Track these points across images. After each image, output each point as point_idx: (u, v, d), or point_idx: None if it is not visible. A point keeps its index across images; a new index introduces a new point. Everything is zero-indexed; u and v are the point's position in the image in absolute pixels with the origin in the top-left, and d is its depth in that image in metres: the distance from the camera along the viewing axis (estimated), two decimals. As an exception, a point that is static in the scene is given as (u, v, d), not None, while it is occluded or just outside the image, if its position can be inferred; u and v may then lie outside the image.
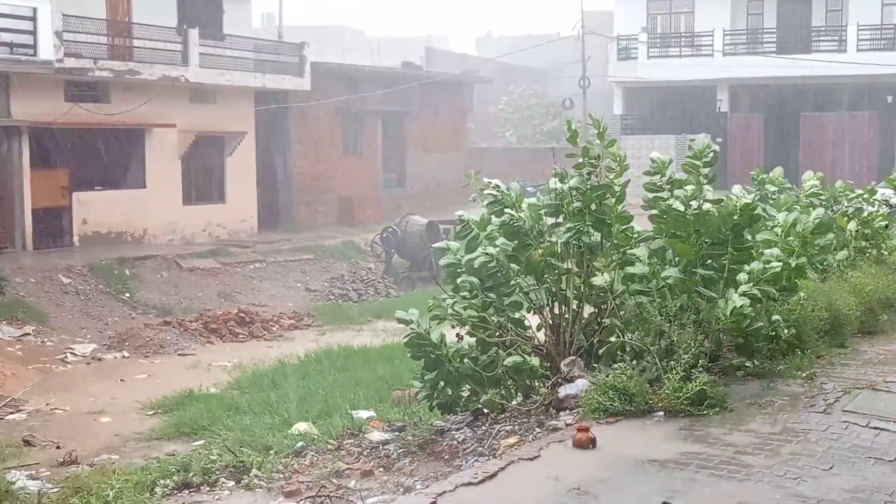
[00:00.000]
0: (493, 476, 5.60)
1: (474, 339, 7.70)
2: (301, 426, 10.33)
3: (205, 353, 18.37)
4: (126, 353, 18.06)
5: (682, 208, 7.39)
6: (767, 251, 7.71)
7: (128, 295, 21.60)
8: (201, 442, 10.93)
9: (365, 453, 7.82)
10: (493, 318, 7.55)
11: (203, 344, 19.17)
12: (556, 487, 5.37)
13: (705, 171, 7.94)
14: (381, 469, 7.17)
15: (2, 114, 22.78)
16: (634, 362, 7.05)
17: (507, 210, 7.61)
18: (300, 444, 8.84)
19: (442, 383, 7.72)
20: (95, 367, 17.14)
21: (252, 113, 29.12)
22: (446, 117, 37.76)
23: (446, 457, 7.03)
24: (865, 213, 11.61)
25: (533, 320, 7.95)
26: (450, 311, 7.58)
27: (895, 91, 35.96)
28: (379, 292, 25.37)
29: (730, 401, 6.75)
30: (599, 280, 7.47)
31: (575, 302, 7.70)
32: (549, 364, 7.64)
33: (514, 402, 7.59)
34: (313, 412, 11.71)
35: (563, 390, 7.12)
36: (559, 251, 7.65)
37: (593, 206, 7.53)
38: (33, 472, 10.18)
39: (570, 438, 6.08)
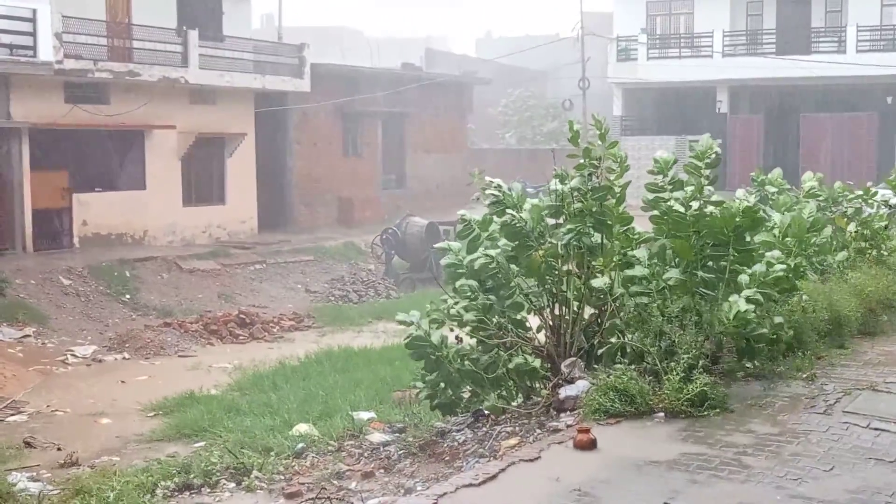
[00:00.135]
0: (493, 477, 5.60)
1: (475, 339, 7.71)
2: (302, 427, 10.33)
3: (205, 354, 18.37)
4: (126, 355, 18.06)
5: (681, 209, 7.39)
6: (769, 253, 7.72)
7: (128, 296, 21.60)
8: (202, 443, 10.94)
9: (366, 455, 7.83)
10: (493, 319, 7.55)
11: (203, 345, 19.17)
12: (556, 488, 5.37)
13: (707, 172, 7.95)
14: (382, 470, 7.18)
15: (2, 115, 22.78)
16: (633, 365, 7.05)
17: (508, 211, 7.61)
18: (301, 445, 8.85)
19: (443, 384, 7.73)
20: (96, 369, 17.14)
21: (252, 114, 29.13)
22: (446, 118, 37.77)
23: (447, 458, 7.03)
24: (865, 214, 11.62)
25: (533, 322, 7.95)
26: (450, 311, 7.58)
27: (894, 92, 35.97)
28: (379, 293, 25.37)
29: (730, 402, 6.75)
30: (598, 282, 7.48)
31: (575, 303, 7.70)
32: (549, 365, 7.64)
33: (514, 404, 7.59)
34: (314, 413, 11.72)
35: (564, 391, 7.12)
36: (560, 252, 7.65)
37: (594, 208, 7.53)
38: (34, 473, 10.18)
39: (571, 439, 6.08)
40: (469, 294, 7.60)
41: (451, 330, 7.70)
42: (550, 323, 7.83)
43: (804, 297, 8.16)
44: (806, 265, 9.22)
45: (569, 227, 7.51)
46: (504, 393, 7.63)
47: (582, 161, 7.63)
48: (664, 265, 7.45)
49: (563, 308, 7.76)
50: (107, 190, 25.37)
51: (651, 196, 7.73)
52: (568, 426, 6.58)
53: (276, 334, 20.37)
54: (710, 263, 7.35)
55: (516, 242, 7.60)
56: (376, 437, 8.30)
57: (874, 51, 35.04)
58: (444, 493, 5.36)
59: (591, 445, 5.95)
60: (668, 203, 7.51)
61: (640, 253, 7.49)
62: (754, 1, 38.12)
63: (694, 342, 6.88)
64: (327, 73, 31.72)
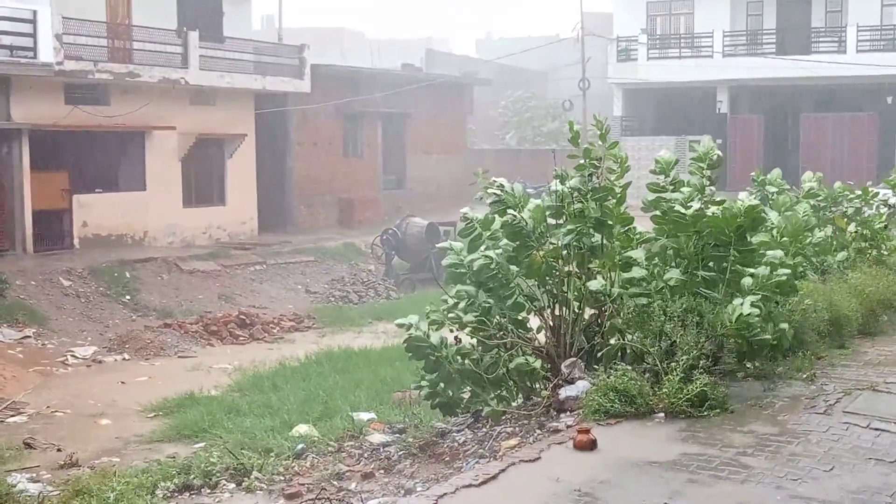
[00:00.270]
0: (493, 478, 5.60)
1: (475, 339, 7.70)
2: (302, 428, 10.34)
3: (205, 355, 18.37)
4: (126, 356, 18.06)
5: (682, 209, 7.39)
6: (770, 252, 7.72)
7: (128, 297, 21.60)
8: (202, 444, 10.94)
9: (366, 455, 7.83)
10: (494, 318, 7.54)
11: (203, 346, 19.17)
12: (556, 489, 5.37)
13: (709, 172, 7.96)
14: (382, 471, 7.17)
15: (2, 116, 22.79)
16: (634, 364, 7.05)
17: (509, 211, 7.61)
18: (301, 446, 8.85)
19: (442, 385, 7.73)
20: (96, 370, 17.14)
21: (252, 115, 29.13)
22: (446, 119, 37.77)
23: (447, 458, 7.03)
24: (865, 215, 11.63)
25: (533, 322, 7.95)
26: (449, 315, 7.57)
27: (894, 92, 35.97)
28: (379, 294, 25.37)
29: (730, 402, 6.75)
30: (595, 284, 7.48)
31: (576, 304, 7.70)
32: (549, 366, 7.64)
33: (514, 404, 7.59)
34: (314, 414, 11.72)
35: (564, 392, 7.12)
36: (561, 253, 7.65)
37: (594, 208, 7.52)
38: (34, 474, 10.18)
39: (571, 440, 6.08)
40: (467, 298, 7.59)
41: (451, 331, 7.70)
42: (551, 323, 7.83)
43: (807, 301, 8.15)
44: (806, 265, 9.23)
45: (569, 227, 7.50)
46: (504, 393, 7.62)
47: (582, 161, 7.63)
48: (665, 265, 7.45)
49: (564, 308, 7.76)
50: (107, 191, 25.37)
51: (652, 196, 7.73)
52: (568, 426, 6.58)
53: (276, 335, 20.37)
54: (711, 264, 7.34)
55: (517, 242, 7.60)
56: (376, 437, 8.30)
57: (874, 51, 35.04)
58: (444, 494, 5.36)
59: (591, 446, 5.95)
60: (669, 203, 7.51)
61: (637, 254, 7.48)
62: (754, 1, 38.12)
63: (695, 343, 6.88)
64: (328, 74, 31.73)
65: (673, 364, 6.78)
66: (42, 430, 12.84)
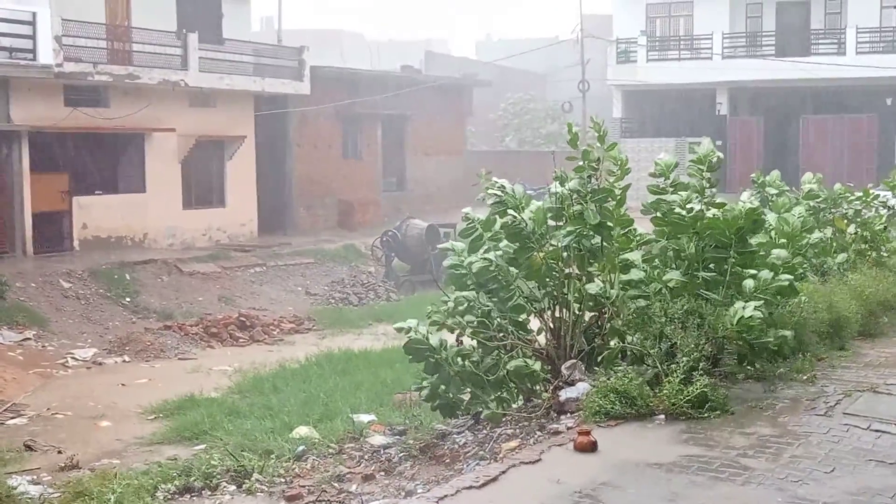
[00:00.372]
0: (494, 480, 5.60)
1: (475, 341, 7.70)
2: (302, 430, 10.34)
3: (205, 357, 18.38)
4: (127, 358, 18.06)
5: (682, 211, 7.39)
6: (775, 251, 7.72)
7: (128, 299, 21.60)
8: (202, 446, 10.94)
9: (366, 457, 7.83)
10: (495, 320, 7.54)
11: (204, 348, 19.17)
12: (557, 491, 5.37)
13: (708, 174, 7.96)
14: (383, 473, 7.18)
15: (2, 118, 22.80)
16: (634, 365, 7.05)
17: (509, 212, 7.61)
18: (301, 448, 8.85)
19: (443, 387, 7.73)
20: (96, 372, 17.14)
21: (252, 117, 29.14)
22: (446, 121, 37.78)
23: (447, 460, 7.03)
24: (865, 216, 11.63)
25: (533, 324, 7.95)
26: (449, 321, 7.57)
27: (894, 93, 36.00)
28: (379, 296, 25.38)
29: (731, 404, 6.75)
30: (594, 287, 7.49)
31: (576, 306, 7.70)
32: (549, 367, 7.64)
33: (515, 406, 7.59)
34: (314, 416, 11.72)
35: (564, 394, 7.12)
36: (560, 254, 7.65)
37: (593, 210, 7.52)
38: (34, 476, 10.17)
39: (572, 442, 6.08)
40: (467, 303, 7.59)
41: (452, 332, 7.70)
42: (551, 325, 7.83)
43: (804, 298, 8.16)
44: (806, 266, 9.23)
45: (568, 229, 7.50)
46: (505, 395, 7.63)
47: (581, 163, 7.64)
48: (664, 267, 7.45)
49: (564, 310, 7.76)
50: (107, 193, 25.38)
51: (652, 198, 7.74)
52: (568, 428, 6.58)
53: (277, 337, 20.37)
54: (712, 266, 7.34)
55: (517, 244, 7.60)
56: (377, 439, 8.30)
57: (874, 52, 35.08)
58: (445, 496, 5.36)
59: (591, 447, 5.95)
60: (669, 205, 7.52)
61: (634, 256, 7.48)
62: (754, 3, 38.15)
63: (695, 344, 6.88)
64: (327, 76, 31.74)
65: (673, 366, 6.78)
66: (42, 433, 12.84)
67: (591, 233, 7.50)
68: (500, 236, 7.73)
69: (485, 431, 7.38)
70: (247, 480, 7.66)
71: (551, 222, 7.72)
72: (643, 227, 8.05)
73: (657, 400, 6.61)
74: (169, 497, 7.57)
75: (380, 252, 27.59)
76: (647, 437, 6.25)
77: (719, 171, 8.00)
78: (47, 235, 23.89)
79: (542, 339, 7.89)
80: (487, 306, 7.58)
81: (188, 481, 7.83)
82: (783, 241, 8.28)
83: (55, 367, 17.14)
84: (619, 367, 6.98)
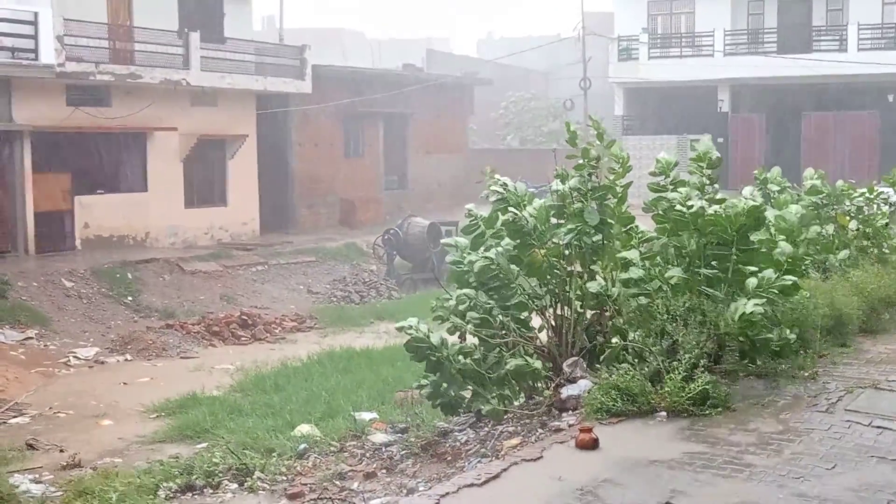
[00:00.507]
0: (496, 477, 5.60)
1: (477, 338, 7.71)
2: (304, 428, 10.34)
3: (207, 355, 18.37)
4: (129, 357, 18.06)
5: (682, 208, 7.39)
6: (782, 244, 7.70)
7: (130, 298, 21.61)
8: (204, 445, 10.94)
9: (368, 455, 7.83)
10: (497, 317, 7.54)
11: (205, 347, 19.17)
12: (559, 488, 5.37)
13: (709, 172, 7.96)
14: (384, 471, 7.18)
15: (4, 118, 22.81)
16: (637, 360, 7.04)
17: (510, 209, 7.61)
18: (303, 446, 8.86)
19: (444, 385, 7.73)
20: (98, 371, 17.14)
21: (253, 116, 29.14)
22: (447, 119, 37.78)
23: (449, 458, 7.04)
24: (867, 213, 11.61)
25: (535, 322, 7.95)
26: (452, 317, 7.58)
27: (896, 90, 35.98)
28: (381, 294, 25.37)
29: (732, 400, 6.75)
30: (594, 286, 7.48)
31: (577, 303, 7.70)
32: (551, 365, 7.64)
33: (516, 404, 7.59)
34: (316, 414, 11.72)
35: (566, 391, 7.12)
36: (562, 252, 7.65)
37: (594, 207, 7.52)
38: (37, 475, 10.18)
39: (573, 439, 6.08)
40: (468, 302, 7.59)
41: (456, 330, 7.70)
42: (552, 323, 7.83)
43: (806, 295, 8.15)
44: (808, 262, 9.22)
45: (569, 227, 7.50)
46: (507, 392, 7.63)
47: (581, 161, 7.64)
48: (666, 264, 7.45)
49: (566, 308, 7.76)
50: (109, 192, 25.38)
51: (653, 196, 7.74)
52: (570, 426, 6.58)
53: (278, 335, 20.36)
54: (714, 263, 7.33)
55: (519, 241, 7.60)
56: (378, 437, 8.31)
57: (875, 49, 35.01)
58: (447, 493, 5.36)
59: (593, 445, 5.95)
60: (670, 202, 7.51)
61: (633, 254, 7.47)
62: (755, 0, 38.11)
63: (697, 342, 6.88)
64: (329, 75, 31.74)
65: (675, 363, 6.77)
66: (44, 432, 12.85)
67: (593, 230, 7.49)
68: (503, 233, 7.73)
69: (486, 429, 7.38)
70: (249, 478, 7.68)
71: (553, 220, 7.72)
72: (645, 224, 8.04)
73: (659, 397, 6.61)
74: (171, 495, 7.59)
75: (381, 250, 27.60)
76: (648, 435, 6.25)
77: (721, 168, 7.99)
78: (49, 235, 23.90)
79: (543, 336, 7.89)
80: (489, 304, 7.58)
81: (190, 480, 7.84)
82: (782, 237, 8.26)
83: (57, 366, 17.14)
84: (621, 365, 6.97)
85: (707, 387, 6.58)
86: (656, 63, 38.17)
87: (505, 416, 7.39)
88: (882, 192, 12.61)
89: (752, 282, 7.12)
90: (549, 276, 7.70)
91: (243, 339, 19.91)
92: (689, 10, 38.83)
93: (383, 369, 14.58)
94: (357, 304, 24.23)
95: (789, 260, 7.58)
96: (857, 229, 11.20)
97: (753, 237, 7.33)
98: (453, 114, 38.34)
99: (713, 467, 5.60)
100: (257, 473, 7.77)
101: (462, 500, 5.30)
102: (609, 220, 7.59)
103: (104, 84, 24.50)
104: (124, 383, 15.96)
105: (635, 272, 7.33)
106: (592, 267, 7.67)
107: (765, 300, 7.00)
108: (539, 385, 7.60)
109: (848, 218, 11.29)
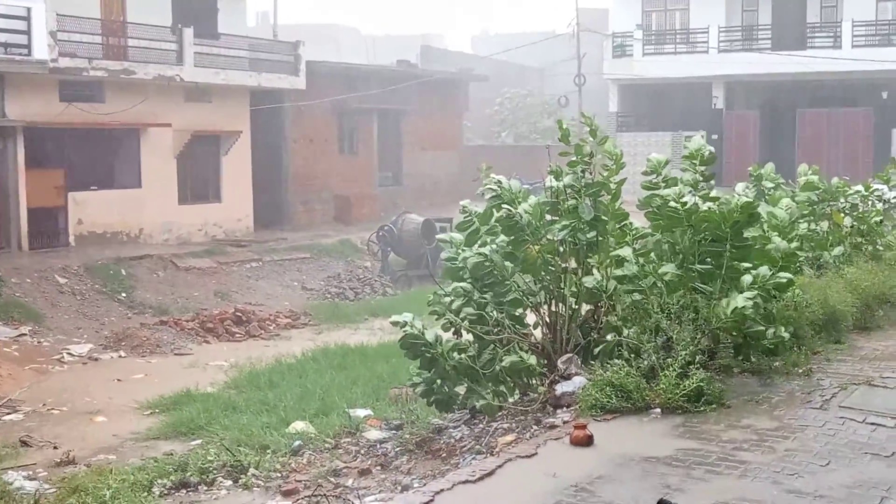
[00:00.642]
0: (490, 474, 5.60)
1: (471, 335, 7.71)
2: (298, 425, 10.34)
3: (201, 352, 18.36)
4: (123, 353, 18.04)
5: (676, 205, 7.39)
6: (776, 239, 7.71)
7: (124, 295, 21.58)
8: (198, 441, 10.94)
9: (362, 452, 7.84)
10: (491, 314, 7.55)
11: (200, 343, 19.15)
12: (553, 485, 5.37)
13: (702, 168, 7.97)
14: (379, 467, 7.19)
15: (-3, 114, 22.77)
16: (631, 356, 7.04)
17: (504, 205, 7.62)
18: (297, 442, 8.86)
19: (438, 381, 7.73)
20: (92, 367, 17.11)
21: (247, 112, 29.10)
22: (442, 115, 37.75)
23: (444, 455, 7.04)
24: (861, 210, 11.63)
25: (529, 318, 7.95)
26: (448, 313, 7.58)
27: (890, 87, 36.00)
28: (376, 291, 25.37)
29: (726, 397, 6.75)
30: (590, 281, 7.49)
31: (572, 300, 7.70)
32: (546, 362, 7.64)
33: (511, 400, 7.59)
34: (310, 411, 11.72)
35: (561, 388, 7.12)
36: (557, 248, 7.66)
37: (588, 204, 7.52)
38: (30, 472, 10.16)
39: (568, 436, 6.08)
40: (463, 296, 7.60)
41: (451, 325, 7.70)
42: (547, 319, 7.84)
43: (799, 293, 8.16)
44: (802, 259, 9.23)
45: (563, 223, 7.51)
46: (502, 389, 7.63)
47: (575, 158, 7.64)
48: (660, 261, 7.45)
49: (560, 305, 7.77)
50: (102, 188, 25.33)
51: (646, 193, 7.75)
52: (564, 422, 6.58)
53: (273, 332, 20.35)
54: (708, 259, 7.34)
55: (513, 237, 7.61)
56: (373, 434, 8.32)
57: (869, 46, 35.08)
58: (441, 490, 5.36)
59: (587, 441, 5.96)
60: (664, 199, 7.51)
61: (626, 251, 7.48)
62: (749, -3, 38.18)
63: (691, 338, 6.89)
64: (323, 71, 31.70)
65: (669, 360, 6.78)
66: (38, 428, 12.83)
67: (587, 227, 7.50)
68: (497, 230, 7.73)
69: (481, 426, 7.39)
70: (243, 475, 7.67)
71: (548, 217, 7.73)
72: (640, 221, 8.05)
73: (653, 394, 6.61)
74: (165, 492, 7.58)
75: (376, 247, 27.59)
76: (643, 431, 6.25)
77: (715, 164, 8.00)
78: (43, 231, 23.85)
79: (538, 333, 7.90)
80: (484, 299, 7.58)
81: (184, 476, 7.84)
82: (774, 234, 8.28)
83: (51, 362, 17.12)
84: (616, 361, 6.98)
85: (701, 383, 6.59)
86: (651, 59, 38.19)
87: (499, 413, 7.40)
88: (876, 189, 12.64)
89: (747, 279, 7.12)
90: (543, 273, 7.71)
91: (237, 335, 19.90)
92: (683, 7, 38.85)
93: (378, 366, 14.58)
94: (351, 300, 24.23)
95: (783, 256, 7.59)
96: (852, 226, 11.21)
97: (747, 233, 7.33)
98: (448, 110, 38.32)
99: (707, 464, 5.61)
100: (252, 470, 7.77)
101: (457, 497, 5.30)
102: (603, 217, 7.59)
103: (97, 80, 24.44)
104: (118, 380, 15.94)
105: (629, 269, 7.34)
106: (588, 261, 7.67)
107: (756, 293, 7.01)
108: (533, 382, 7.61)
109: (842, 215, 11.30)
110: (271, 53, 29.82)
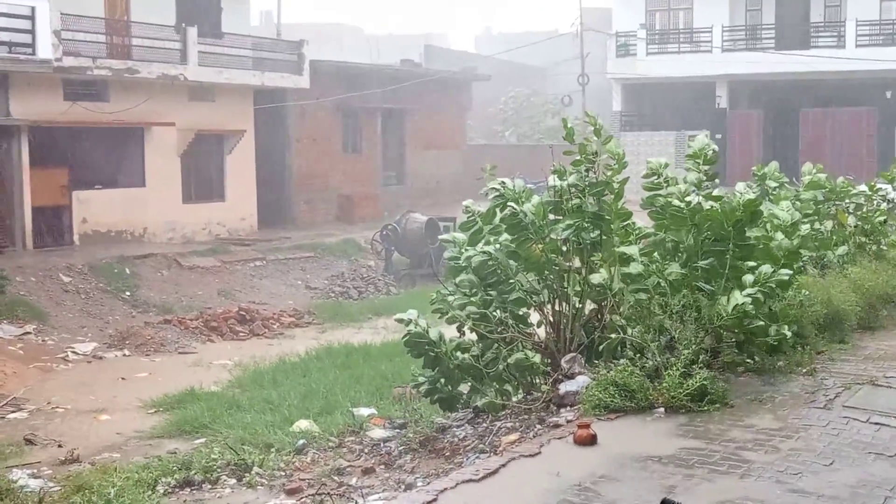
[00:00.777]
0: (494, 473, 5.61)
1: (475, 334, 7.71)
2: (302, 424, 10.35)
3: (205, 351, 18.38)
4: (127, 352, 18.06)
5: (679, 204, 7.40)
6: (778, 236, 7.71)
7: (128, 293, 21.61)
8: (202, 440, 10.96)
9: (366, 451, 7.85)
10: (494, 313, 7.56)
11: (204, 342, 19.17)
12: (557, 484, 5.37)
13: (705, 168, 7.97)
14: (383, 466, 7.19)
15: (1, 113, 22.78)
16: (635, 355, 7.05)
17: (509, 203, 7.62)
18: (301, 441, 8.87)
19: (442, 380, 7.74)
20: (96, 366, 17.14)
21: (251, 111, 29.12)
22: (445, 115, 37.75)
23: (447, 454, 7.05)
24: (865, 209, 11.62)
25: (533, 317, 7.96)
26: (452, 311, 7.58)
27: (893, 87, 35.96)
28: (379, 290, 25.37)
29: (730, 397, 6.76)
30: (597, 278, 7.49)
31: (575, 299, 7.71)
32: (549, 361, 7.65)
33: (514, 399, 7.60)
34: (314, 410, 11.73)
35: (564, 387, 7.13)
36: (560, 247, 7.66)
37: (591, 203, 7.53)
38: (35, 470, 10.18)
39: (571, 435, 6.08)
40: (468, 290, 7.61)
41: (451, 324, 7.71)
42: (551, 318, 7.84)
43: (804, 293, 8.16)
44: (806, 258, 9.23)
45: (567, 222, 7.51)
46: (506, 388, 7.64)
47: (579, 157, 7.65)
48: (663, 261, 7.46)
49: (564, 304, 7.77)
50: (106, 187, 25.35)
51: (648, 193, 7.76)
52: (568, 421, 6.59)
53: (277, 331, 20.37)
54: (711, 259, 7.34)
55: (517, 235, 7.61)
56: (377, 433, 8.32)
57: (873, 45, 35.03)
58: (445, 489, 5.36)
59: (591, 441, 5.96)
60: (667, 198, 7.52)
61: (632, 249, 7.49)
62: (753, -4, 38.14)
63: (694, 337, 6.89)
64: (326, 70, 31.71)
65: (673, 359, 6.78)
66: (43, 427, 12.85)
67: (591, 226, 7.50)
68: (500, 229, 7.74)
69: (484, 425, 7.39)
70: (247, 474, 7.68)
71: (551, 216, 7.73)
72: (643, 221, 8.05)
73: (657, 393, 6.62)
74: (169, 490, 7.59)
75: (379, 246, 27.59)
76: (646, 430, 6.26)
77: (718, 164, 8.01)
78: (47, 230, 23.89)
79: (541, 332, 7.90)
80: (489, 295, 7.59)
81: (188, 475, 7.85)
82: (777, 233, 8.27)
83: (55, 361, 17.14)
84: (619, 361, 6.99)
85: (705, 383, 6.60)
86: (654, 59, 38.15)
87: (503, 412, 7.41)
88: (880, 189, 12.63)
89: (748, 278, 7.14)
90: (546, 272, 7.71)
91: (241, 334, 19.92)
92: (687, 6, 38.82)
93: (381, 365, 14.59)
94: (355, 299, 24.24)
95: (786, 254, 7.59)
96: (856, 226, 11.21)
97: (750, 233, 7.34)
98: (451, 109, 38.32)
99: (711, 463, 5.61)
100: (255, 469, 7.78)
101: (460, 496, 5.30)
102: (606, 216, 7.60)
103: (102, 79, 24.47)
104: (122, 378, 15.96)
105: (635, 267, 7.34)
106: (592, 258, 7.67)
107: (757, 290, 7.01)
108: (537, 381, 7.61)
109: (847, 214, 11.30)
110: (275, 53, 29.83)
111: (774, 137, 37.18)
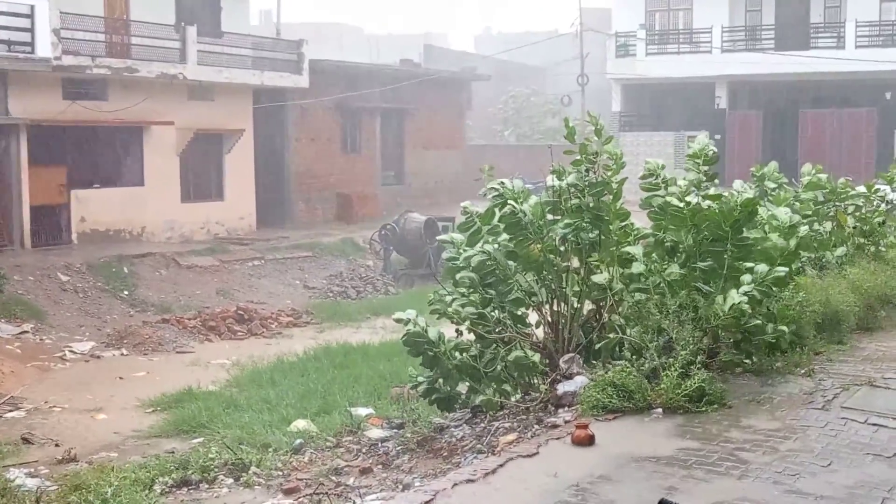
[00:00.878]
0: (491, 473, 5.60)
1: (473, 334, 7.70)
2: (300, 423, 10.34)
3: (203, 350, 18.36)
4: (125, 351, 18.05)
5: (678, 204, 7.39)
6: (773, 237, 7.70)
7: (126, 293, 21.60)
8: (200, 439, 10.94)
9: (364, 451, 7.84)
10: (492, 314, 7.55)
11: (202, 341, 19.15)
12: (554, 484, 5.37)
13: (705, 168, 7.97)
14: (380, 466, 7.19)
15: (0, 111, 22.76)
16: (633, 355, 7.04)
17: (509, 202, 7.62)
18: (299, 441, 8.86)
19: (440, 380, 7.73)
20: (94, 365, 17.12)
21: (250, 110, 29.11)
22: (445, 115, 37.76)
23: (445, 454, 7.04)
24: (864, 210, 11.61)
25: (531, 318, 7.95)
26: (449, 310, 7.58)
27: (893, 87, 35.98)
28: (378, 290, 25.37)
29: (728, 397, 6.75)
30: (599, 278, 7.48)
31: (574, 299, 7.70)
32: (547, 361, 7.64)
33: (512, 400, 7.59)
34: (312, 409, 11.72)
35: (562, 387, 7.12)
36: (558, 247, 7.66)
37: (590, 203, 7.53)
38: (32, 469, 10.17)
39: (569, 435, 6.08)
40: (467, 289, 7.60)
41: (453, 322, 7.70)
42: (549, 319, 7.83)
43: (802, 294, 8.15)
44: (805, 259, 9.22)
45: (566, 222, 7.50)
46: (504, 388, 7.63)
47: (578, 157, 7.64)
48: (661, 261, 7.45)
49: (562, 304, 7.76)
50: (105, 186, 25.35)
51: (646, 194, 7.76)
52: (566, 422, 6.58)
53: (275, 330, 20.35)
54: (710, 259, 7.33)
55: (515, 234, 7.60)
56: (374, 433, 8.32)
57: (873, 46, 35.05)
58: (442, 489, 5.36)
59: (589, 441, 5.95)
60: (666, 198, 7.52)
61: (635, 249, 7.48)
62: (753, -3, 38.16)
63: (692, 337, 6.88)
64: (326, 70, 31.70)
65: (671, 359, 6.77)
66: (40, 426, 12.83)
67: (589, 226, 7.50)
68: (499, 230, 7.73)
69: (482, 425, 7.38)
70: (244, 473, 7.68)
71: (549, 216, 7.72)
72: (641, 221, 8.04)
73: (655, 394, 6.61)
74: (166, 490, 7.58)
75: (378, 246, 27.58)
76: (644, 431, 6.25)
77: (717, 164, 8.01)
78: (45, 228, 23.88)
79: (539, 332, 7.89)
80: (488, 294, 7.58)
81: (186, 474, 7.84)
82: (775, 234, 8.26)
83: (53, 360, 17.12)
84: (617, 361, 6.98)
85: (703, 384, 6.59)
86: (654, 59, 38.17)
87: (501, 412, 7.40)
88: (879, 190, 12.62)
89: (746, 278, 7.13)
90: (545, 272, 7.70)
91: (239, 333, 19.91)
92: (686, 7, 38.83)
93: (380, 365, 14.58)
94: (353, 299, 24.23)
95: (783, 254, 7.58)
96: (854, 226, 11.20)
97: (748, 234, 7.33)
98: (450, 109, 38.32)
99: (709, 464, 5.60)
100: (253, 468, 7.77)
101: (458, 496, 5.29)
102: (605, 216, 7.59)
103: (101, 78, 24.46)
104: (120, 378, 15.95)
105: (637, 267, 7.33)
106: (591, 258, 7.67)
107: (753, 288, 7.01)
108: (535, 381, 7.60)
109: (846, 215, 11.29)
110: (274, 52, 29.83)
111: (774, 138, 37.19)
